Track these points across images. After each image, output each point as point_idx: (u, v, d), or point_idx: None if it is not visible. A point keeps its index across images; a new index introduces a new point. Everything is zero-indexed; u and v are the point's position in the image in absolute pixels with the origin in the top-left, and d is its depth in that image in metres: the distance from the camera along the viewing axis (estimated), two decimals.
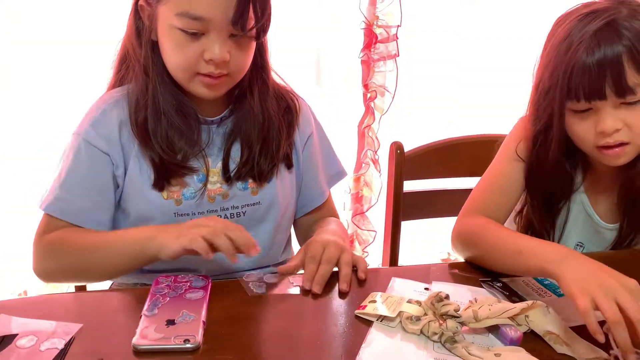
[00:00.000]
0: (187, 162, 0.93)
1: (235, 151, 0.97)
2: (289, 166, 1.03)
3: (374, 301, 0.79)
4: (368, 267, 0.90)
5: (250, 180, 0.98)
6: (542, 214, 0.99)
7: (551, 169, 0.95)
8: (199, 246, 0.77)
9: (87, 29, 1.53)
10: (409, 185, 1.30)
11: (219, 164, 0.97)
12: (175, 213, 0.94)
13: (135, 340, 0.69)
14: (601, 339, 0.66)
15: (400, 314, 0.76)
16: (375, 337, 0.73)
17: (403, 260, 1.37)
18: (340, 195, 1.86)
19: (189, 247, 0.78)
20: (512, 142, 1.01)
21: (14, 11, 1.56)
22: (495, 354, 0.68)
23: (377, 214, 1.88)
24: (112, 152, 0.93)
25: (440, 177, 1.35)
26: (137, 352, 0.68)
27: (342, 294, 0.83)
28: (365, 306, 0.78)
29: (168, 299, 0.79)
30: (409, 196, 1.30)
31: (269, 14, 0.86)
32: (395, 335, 0.74)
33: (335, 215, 1.13)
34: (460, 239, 0.97)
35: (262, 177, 0.98)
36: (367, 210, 1.89)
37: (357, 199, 1.89)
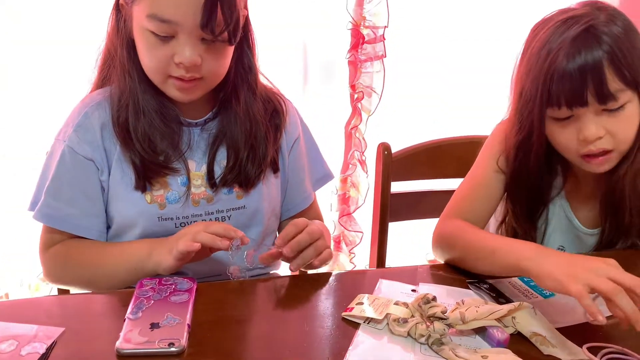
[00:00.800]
0: (170, 163, 0.92)
1: (221, 156, 0.96)
2: (275, 170, 1.02)
3: (361, 303, 0.79)
4: (341, 267, 0.89)
5: (236, 186, 0.97)
6: (524, 221, 1.00)
7: (532, 177, 0.95)
8: (191, 244, 0.80)
9: (88, 29, 1.52)
10: (396, 186, 1.30)
11: (204, 167, 0.95)
12: (159, 217, 0.93)
13: (118, 344, 0.68)
14: (602, 320, 0.66)
15: (387, 316, 0.75)
16: (362, 340, 0.72)
17: (390, 261, 1.37)
18: (327, 196, 1.86)
19: (184, 251, 0.80)
20: (491, 148, 1.02)
21: (14, 11, 1.55)
22: (482, 356, 0.68)
23: (364, 215, 1.87)
24: (95, 157, 0.92)
25: (427, 178, 1.35)
26: (121, 356, 0.67)
27: (330, 296, 0.82)
28: (352, 308, 0.78)
29: (152, 301, 0.77)
30: (396, 197, 1.30)
31: (238, 19, 0.85)
32: (382, 337, 0.74)
33: (320, 218, 1.13)
34: (439, 241, 0.97)
35: (248, 183, 0.97)
36: (354, 212, 1.89)
37: (344, 199, 1.88)
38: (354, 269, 1.86)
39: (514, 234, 1.01)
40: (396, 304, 0.78)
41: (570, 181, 1.00)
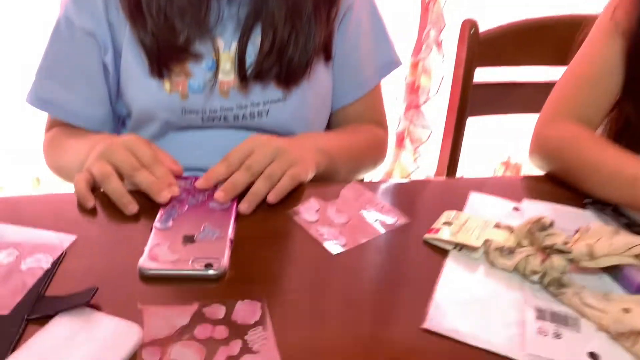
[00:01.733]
0: (191, 45, 0.74)
1: (255, 37, 0.76)
2: (327, 58, 0.81)
3: (449, 223, 0.61)
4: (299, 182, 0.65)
5: (273, 81, 0.77)
6: None
7: None
8: (79, 194, 0.62)
9: None
10: (478, 75, 1.09)
11: (234, 46, 0.76)
12: (182, 109, 0.76)
13: (142, 262, 0.53)
14: None
15: (486, 242, 0.58)
16: (452, 271, 0.56)
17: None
18: (393, 84, 1.63)
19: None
20: (606, 22, 0.78)
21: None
22: (623, 309, 0.50)
23: (434, 109, 1.66)
24: (97, 32, 0.75)
25: (518, 64, 1.13)
26: (144, 277, 0.52)
27: (407, 212, 0.65)
28: (438, 229, 0.60)
29: (186, 207, 0.62)
30: (477, 88, 1.10)
31: None
32: (477, 268, 0.56)
33: (379, 117, 0.91)
34: (542, 152, 0.77)
35: (290, 77, 0.76)
36: (423, 103, 1.67)
37: (413, 89, 1.66)
38: (435, 178, 1.65)
39: (625, 124, 0.78)
40: (497, 226, 0.60)
41: None
